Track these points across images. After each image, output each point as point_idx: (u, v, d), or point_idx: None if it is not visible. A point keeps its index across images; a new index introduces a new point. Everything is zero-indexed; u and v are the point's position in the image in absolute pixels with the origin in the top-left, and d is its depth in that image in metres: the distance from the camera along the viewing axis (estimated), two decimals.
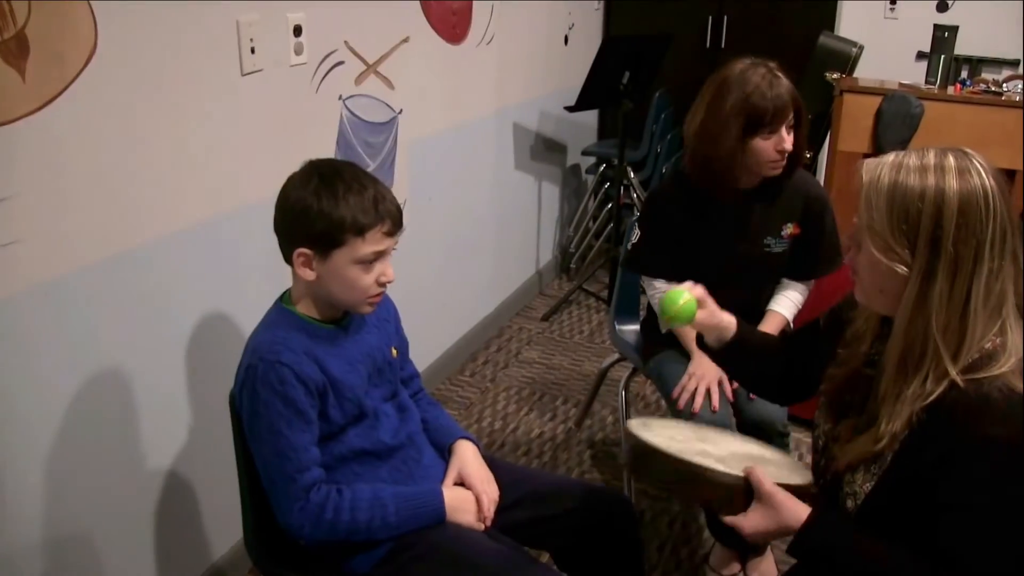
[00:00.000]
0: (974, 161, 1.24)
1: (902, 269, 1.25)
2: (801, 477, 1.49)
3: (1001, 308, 1.25)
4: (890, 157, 1.28)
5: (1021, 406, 1.20)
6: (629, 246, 2.39)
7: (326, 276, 1.57)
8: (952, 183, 1.22)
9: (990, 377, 1.22)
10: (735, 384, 2.17)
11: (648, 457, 1.44)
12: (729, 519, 1.39)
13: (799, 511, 1.34)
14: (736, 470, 1.40)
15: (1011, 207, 1.25)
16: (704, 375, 2.15)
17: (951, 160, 1.24)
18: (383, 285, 1.60)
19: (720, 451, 1.54)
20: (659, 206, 2.31)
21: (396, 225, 1.60)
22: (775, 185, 2.18)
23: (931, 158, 1.25)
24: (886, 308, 1.35)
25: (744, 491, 1.38)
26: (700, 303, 1.64)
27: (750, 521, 1.37)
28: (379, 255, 1.58)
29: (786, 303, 2.31)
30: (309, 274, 1.57)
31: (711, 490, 1.41)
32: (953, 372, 1.23)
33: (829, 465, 1.42)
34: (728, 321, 1.68)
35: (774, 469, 1.47)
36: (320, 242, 1.54)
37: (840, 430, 1.42)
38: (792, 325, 2.32)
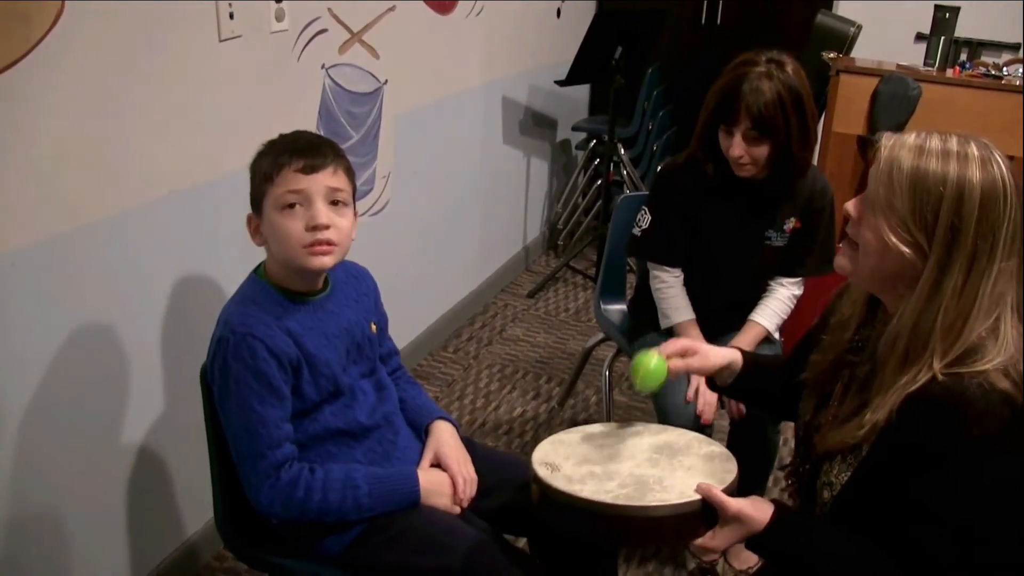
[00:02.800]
0: (994, 153, 1.21)
1: (911, 255, 1.22)
2: (724, 467, 1.43)
3: (998, 305, 1.22)
4: (911, 137, 1.24)
5: (999, 406, 1.17)
6: (637, 231, 2.30)
7: (267, 235, 1.54)
8: (976, 172, 1.18)
9: (971, 372, 1.19)
10: None
11: (587, 514, 1.35)
12: (699, 543, 1.36)
13: (764, 515, 1.32)
14: (661, 477, 1.37)
15: (1021, 201, 1.22)
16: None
17: (974, 149, 1.20)
18: (315, 230, 1.49)
19: (636, 458, 1.47)
20: (669, 186, 2.26)
21: (312, 161, 1.49)
22: (785, 180, 2.12)
23: (954, 144, 1.21)
24: (876, 289, 1.32)
25: (701, 513, 1.34)
26: (689, 351, 1.58)
27: (720, 541, 1.35)
28: (300, 196, 1.49)
29: (768, 313, 2.25)
30: (259, 239, 1.56)
31: (665, 526, 1.34)
32: (937, 365, 1.20)
33: (808, 454, 1.40)
34: (727, 359, 1.62)
35: (704, 468, 1.43)
36: (254, 203, 1.55)
37: (820, 418, 1.40)
38: (776, 334, 2.28)
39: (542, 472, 1.42)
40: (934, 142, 1.22)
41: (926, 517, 1.20)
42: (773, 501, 1.35)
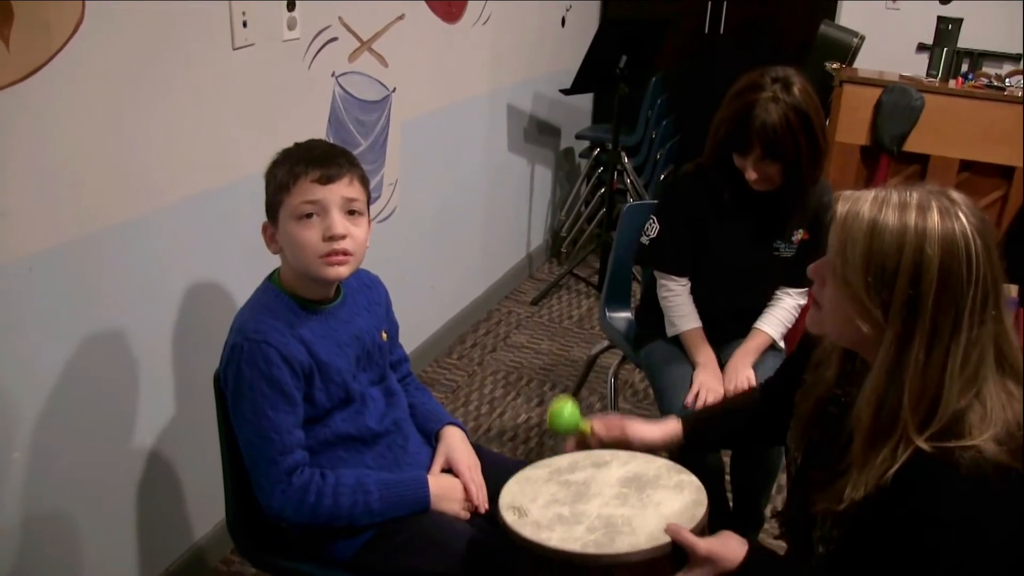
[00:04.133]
0: (960, 213, 1.13)
1: (868, 330, 1.18)
2: (695, 500, 1.40)
3: (977, 374, 1.15)
4: (868, 201, 1.17)
5: (993, 475, 1.11)
6: (646, 240, 2.32)
7: (283, 244, 1.55)
8: (935, 240, 1.11)
9: (962, 447, 1.13)
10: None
11: (557, 563, 1.32)
12: None
13: (735, 554, 1.29)
14: (630, 517, 1.36)
15: (996, 262, 1.15)
16: (714, 388, 2.13)
17: (934, 216, 1.13)
18: (331, 240, 1.50)
19: (604, 495, 1.44)
20: (678, 196, 2.28)
21: (329, 172, 1.50)
22: (796, 193, 2.14)
23: (913, 206, 1.14)
24: (846, 344, 1.29)
25: (671, 555, 1.32)
26: (616, 430, 1.63)
27: None
28: (317, 207, 1.50)
29: (774, 321, 2.27)
30: (274, 247, 1.57)
31: (635, 571, 1.31)
32: (918, 440, 1.15)
33: (802, 502, 1.36)
34: (662, 436, 1.65)
35: (674, 504, 1.39)
36: (269, 211, 1.56)
37: (811, 474, 1.35)
38: (781, 342, 2.30)
39: (509, 519, 1.39)
40: (889, 210, 1.15)
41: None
42: (748, 540, 1.32)
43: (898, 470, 1.16)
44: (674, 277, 2.28)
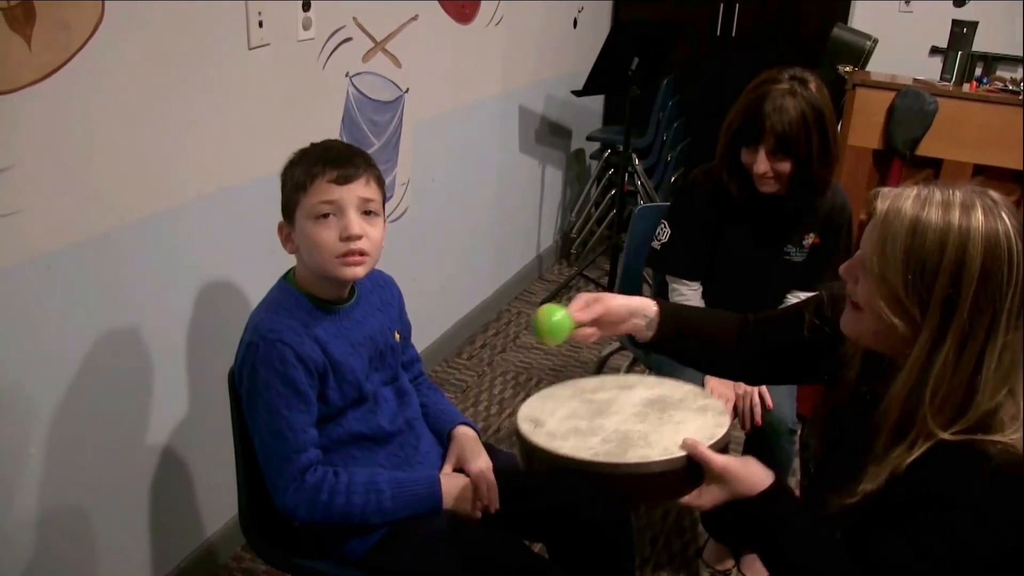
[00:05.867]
0: (1003, 214, 1.12)
1: (903, 328, 1.16)
2: (716, 421, 1.35)
3: (1010, 375, 1.14)
4: (910, 198, 1.15)
5: (1016, 477, 1.10)
6: (657, 244, 2.32)
7: (299, 244, 1.55)
8: (979, 240, 1.09)
9: (990, 440, 1.12)
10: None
11: (568, 472, 1.28)
12: (684, 501, 1.30)
13: (756, 481, 1.26)
14: (647, 433, 1.29)
15: None
16: (724, 393, 2.09)
17: (979, 215, 1.11)
18: (348, 240, 1.51)
19: (625, 413, 1.39)
20: (689, 201, 2.28)
21: (345, 172, 1.50)
22: (805, 197, 2.14)
23: (956, 205, 1.12)
24: (878, 348, 1.27)
25: (685, 471, 1.27)
26: (592, 301, 1.47)
27: (707, 500, 1.28)
28: (334, 207, 1.50)
29: None
30: (290, 247, 1.57)
31: (646, 483, 1.27)
32: (942, 435, 1.14)
33: (817, 501, 1.33)
34: (633, 307, 1.49)
35: (694, 423, 1.34)
36: (285, 211, 1.56)
37: (830, 472, 1.34)
38: None
39: (525, 428, 1.35)
40: (932, 208, 1.12)
41: (906, 550, 1.15)
42: (775, 473, 1.28)
43: (916, 459, 1.15)
44: (685, 281, 2.28)
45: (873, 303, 1.18)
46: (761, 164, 2.05)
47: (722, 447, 1.31)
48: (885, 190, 1.19)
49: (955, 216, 1.11)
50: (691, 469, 1.27)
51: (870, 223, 1.19)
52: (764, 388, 2.19)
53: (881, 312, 1.17)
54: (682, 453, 1.27)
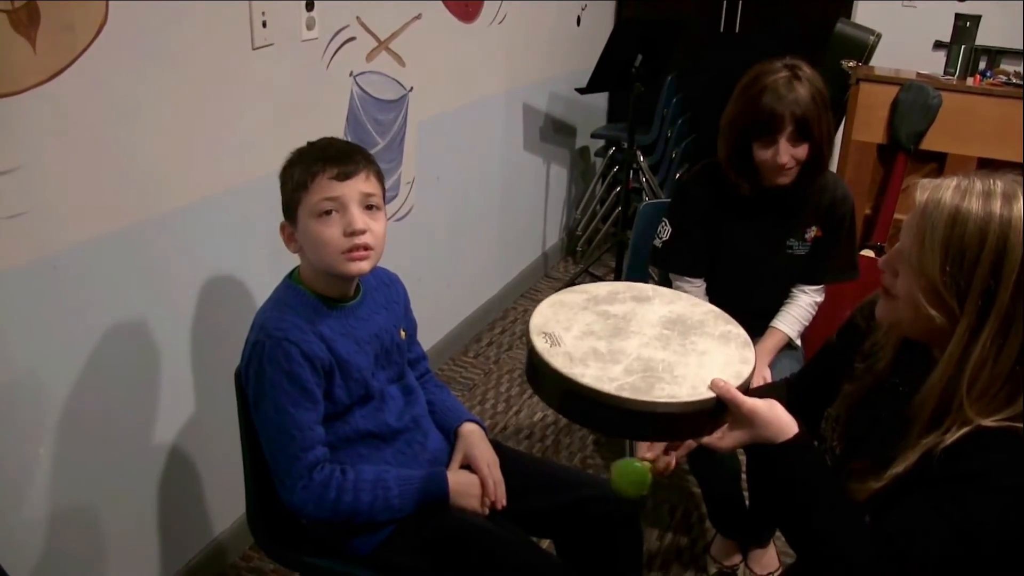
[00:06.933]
0: None
1: (941, 320, 1.15)
2: (741, 355, 1.31)
3: None
4: (950, 189, 1.14)
5: None
6: (659, 242, 2.32)
7: (303, 243, 1.56)
8: (1019, 234, 1.09)
9: None
10: None
11: (585, 400, 1.21)
12: (705, 441, 1.28)
13: (782, 427, 1.22)
14: (672, 364, 1.23)
15: None
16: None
17: (1020, 205, 1.10)
18: (352, 235, 1.51)
19: (645, 334, 1.34)
20: (688, 198, 2.28)
21: (346, 168, 1.51)
22: (803, 188, 2.14)
23: (998, 194, 1.11)
24: (915, 337, 1.25)
25: (711, 410, 1.23)
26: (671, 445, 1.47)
27: (729, 442, 1.26)
28: (336, 203, 1.51)
29: (790, 320, 2.28)
30: (294, 246, 1.58)
31: (669, 423, 1.22)
32: (978, 419, 1.12)
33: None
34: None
35: (719, 355, 1.30)
36: (287, 211, 1.57)
37: (851, 465, 1.30)
38: (798, 340, 2.30)
39: (540, 345, 1.28)
40: (973, 198, 1.11)
41: (926, 526, 1.12)
42: (800, 423, 1.25)
43: (954, 442, 1.13)
44: (688, 279, 2.28)
45: (912, 295, 1.17)
46: (784, 154, 2.04)
47: (747, 387, 1.27)
48: (924, 181, 1.18)
49: (996, 206, 1.11)
50: (716, 408, 1.24)
51: (909, 215, 1.18)
52: (766, 370, 2.19)
53: (919, 304, 1.16)
54: (711, 395, 1.23)
